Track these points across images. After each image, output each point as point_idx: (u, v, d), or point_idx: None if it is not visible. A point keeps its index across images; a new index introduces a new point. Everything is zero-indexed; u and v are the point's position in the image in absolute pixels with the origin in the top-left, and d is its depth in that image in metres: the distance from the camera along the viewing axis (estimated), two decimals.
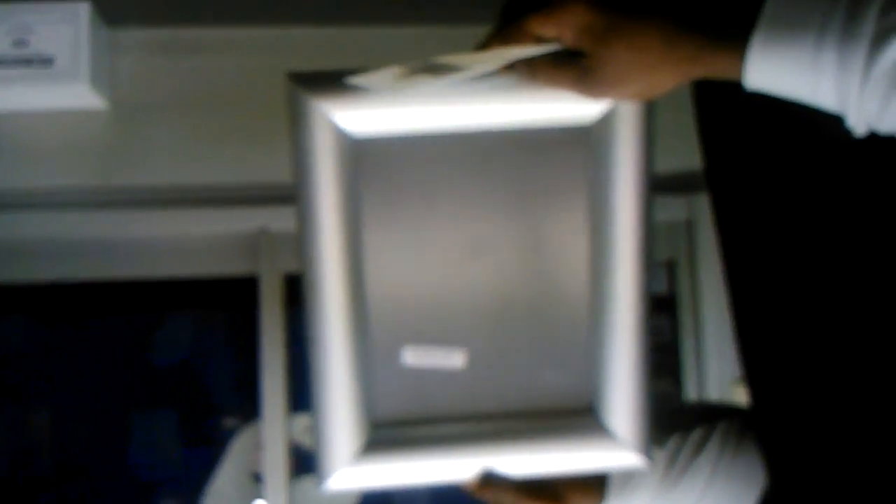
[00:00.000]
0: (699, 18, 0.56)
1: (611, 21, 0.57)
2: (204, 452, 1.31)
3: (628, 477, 0.73)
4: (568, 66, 0.61)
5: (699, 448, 0.75)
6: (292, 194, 1.28)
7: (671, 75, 0.59)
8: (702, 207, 1.33)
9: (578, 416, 0.71)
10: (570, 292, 0.69)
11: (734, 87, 0.62)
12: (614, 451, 0.71)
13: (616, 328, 0.68)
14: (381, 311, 0.69)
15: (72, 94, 1.21)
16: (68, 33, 1.18)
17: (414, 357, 0.70)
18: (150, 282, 1.29)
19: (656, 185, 0.78)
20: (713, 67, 0.57)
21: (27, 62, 1.18)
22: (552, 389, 0.71)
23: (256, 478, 1.32)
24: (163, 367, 1.33)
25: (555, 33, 0.60)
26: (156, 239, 1.29)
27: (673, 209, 1.34)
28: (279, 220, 1.28)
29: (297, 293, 1.32)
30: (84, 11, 1.18)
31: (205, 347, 1.35)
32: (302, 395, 1.34)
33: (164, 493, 1.31)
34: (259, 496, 1.28)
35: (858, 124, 0.52)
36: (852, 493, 0.61)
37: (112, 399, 1.32)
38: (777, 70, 0.53)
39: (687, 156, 1.34)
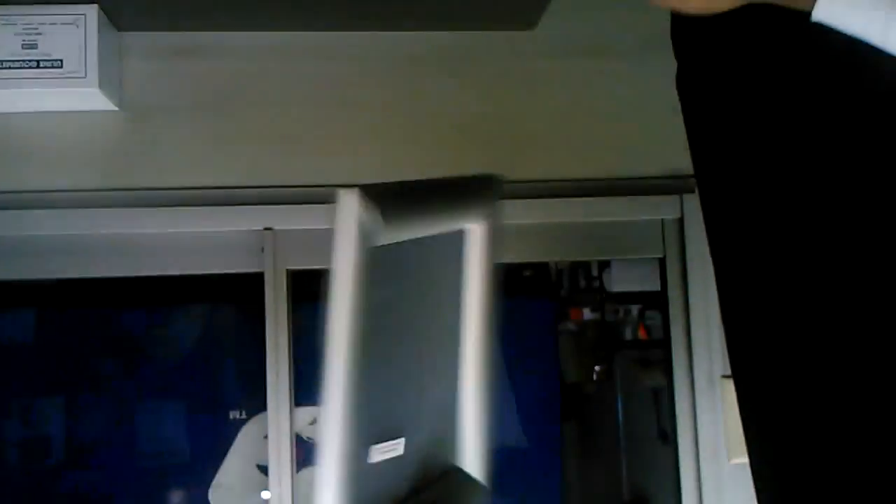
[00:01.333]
0: None
1: None
2: (211, 444, 1.35)
3: None
4: None
5: None
6: (297, 195, 1.33)
7: None
8: (692, 207, 1.37)
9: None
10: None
11: (720, 83, 0.67)
12: None
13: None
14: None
15: (81, 96, 1.24)
16: (77, 36, 1.21)
17: (377, 453, 0.72)
18: (159, 278, 1.32)
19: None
20: None
21: (36, 64, 1.21)
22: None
23: (262, 469, 1.36)
24: (170, 360, 1.36)
25: None
26: (165, 237, 1.31)
27: (664, 208, 1.38)
28: (284, 219, 1.31)
29: (301, 289, 1.36)
30: (92, 15, 1.21)
31: (212, 341, 1.38)
32: (306, 388, 1.37)
33: (171, 485, 1.34)
34: (264, 487, 1.32)
35: None
36: (840, 486, 0.63)
37: (121, 391, 1.35)
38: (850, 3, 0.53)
39: (678, 157, 1.39)
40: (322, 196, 1.35)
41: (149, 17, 1.29)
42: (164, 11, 1.27)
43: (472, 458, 0.80)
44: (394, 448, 0.72)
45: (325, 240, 1.37)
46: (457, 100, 1.33)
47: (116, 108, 1.29)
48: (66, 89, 1.21)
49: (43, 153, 1.29)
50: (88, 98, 1.24)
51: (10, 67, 1.20)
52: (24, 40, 1.20)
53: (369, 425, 0.68)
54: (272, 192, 1.31)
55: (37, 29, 1.21)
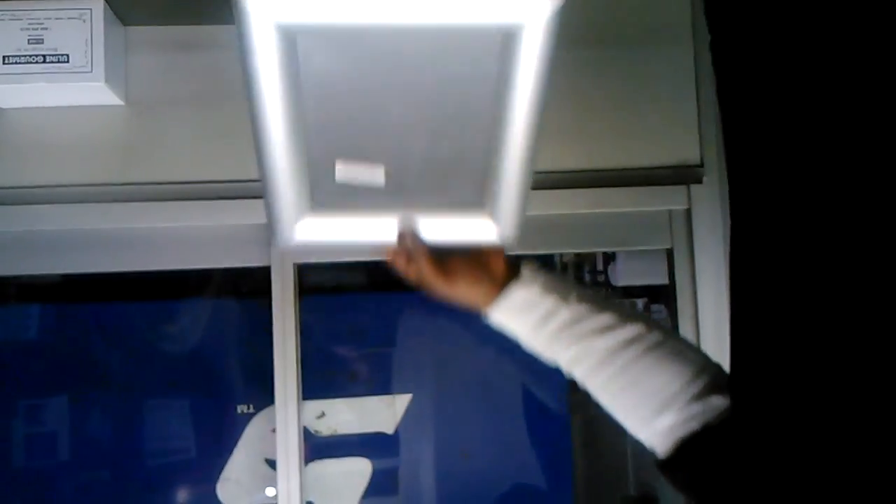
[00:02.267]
0: None
1: None
2: (218, 438, 1.35)
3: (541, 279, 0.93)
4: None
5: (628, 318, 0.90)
6: None
7: None
8: (700, 197, 1.37)
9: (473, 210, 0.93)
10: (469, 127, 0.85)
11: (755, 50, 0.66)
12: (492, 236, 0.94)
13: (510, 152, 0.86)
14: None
15: (87, 90, 1.24)
16: (83, 31, 1.21)
17: (343, 171, 0.87)
18: (165, 272, 1.32)
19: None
20: None
21: (42, 59, 1.20)
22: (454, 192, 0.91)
23: (270, 463, 1.36)
24: (177, 355, 1.37)
25: None
26: (171, 231, 1.31)
27: (673, 199, 1.38)
28: None
29: (308, 283, 1.36)
30: (98, 9, 1.21)
31: (219, 335, 1.38)
32: (314, 381, 1.37)
33: (179, 479, 1.34)
34: (272, 481, 1.32)
35: None
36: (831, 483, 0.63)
37: (127, 386, 1.35)
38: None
39: (686, 148, 1.39)
40: None
41: (154, 12, 1.28)
42: (169, 5, 1.27)
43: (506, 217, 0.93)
44: (367, 172, 0.87)
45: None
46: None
47: (122, 103, 1.29)
48: (72, 84, 1.21)
49: (48, 148, 1.29)
50: (94, 93, 1.24)
51: (16, 62, 1.20)
52: (30, 35, 1.20)
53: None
54: None
55: (43, 24, 1.21)
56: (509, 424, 1.43)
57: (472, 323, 1.43)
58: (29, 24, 1.21)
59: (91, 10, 1.20)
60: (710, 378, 0.86)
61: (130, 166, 1.30)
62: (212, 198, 1.30)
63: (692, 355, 0.89)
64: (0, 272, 1.32)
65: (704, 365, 0.88)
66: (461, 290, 0.95)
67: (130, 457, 1.34)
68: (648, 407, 0.88)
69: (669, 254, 1.41)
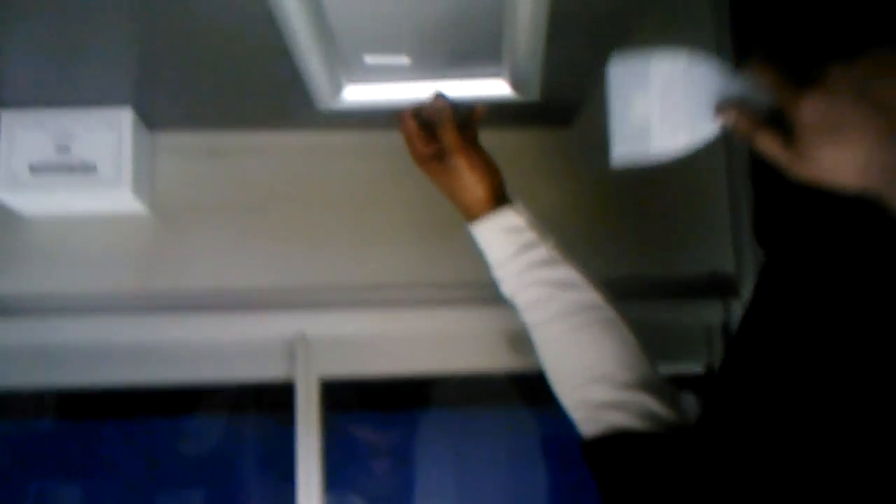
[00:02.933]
0: None
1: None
2: None
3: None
4: (782, 145, 0.64)
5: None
6: (330, 299, 1.29)
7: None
8: (737, 311, 1.33)
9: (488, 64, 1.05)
10: None
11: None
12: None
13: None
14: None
15: (113, 199, 1.21)
16: (111, 140, 1.19)
17: (372, 59, 1.00)
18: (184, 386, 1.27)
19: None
20: None
21: (70, 169, 1.18)
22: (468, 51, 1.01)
23: None
24: (195, 473, 1.30)
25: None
26: (191, 344, 1.27)
27: (709, 312, 1.34)
28: (316, 325, 1.27)
29: (334, 400, 1.31)
30: (127, 118, 1.19)
31: (239, 453, 1.32)
32: (339, 502, 1.31)
33: None
34: None
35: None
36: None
37: (141, 495, 1.28)
38: None
39: (722, 259, 1.35)
40: (357, 300, 1.32)
41: (181, 117, 1.27)
42: (196, 110, 1.25)
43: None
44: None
45: (361, 346, 1.33)
46: None
47: (148, 211, 1.26)
48: (98, 193, 1.19)
49: (71, 256, 1.26)
50: (121, 201, 1.21)
51: (42, 171, 1.17)
52: (57, 144, 1.18)
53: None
54: (305, 297, 1.27)
55: (70, 132, 1.19)
56: None
57: (501, 444, 1.38)
58: (56, 132, 1.18)
59: (119, 118, 1.19)
60: (647, 376, 0.92)
61: (154, 274, 1.26)
62: (235, 307, 1.26)
63: (636, 347, 0.94)
64: (19, 384, 1.27)
65: (645, 362, 0.93)
66: (460, 180, 0.99)
67: None
68: (583, 374, 0.93)
69: (708, 369, 1.36)
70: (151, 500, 1.29)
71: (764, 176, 0.82)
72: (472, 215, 1.00)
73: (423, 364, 1.30)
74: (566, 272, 0.97)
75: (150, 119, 1.25)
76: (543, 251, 0.98)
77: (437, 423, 1.36)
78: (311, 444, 1.25)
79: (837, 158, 0.60)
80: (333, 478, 1.28)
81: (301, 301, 1.27)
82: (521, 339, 1.28)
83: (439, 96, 1.00)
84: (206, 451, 1.31)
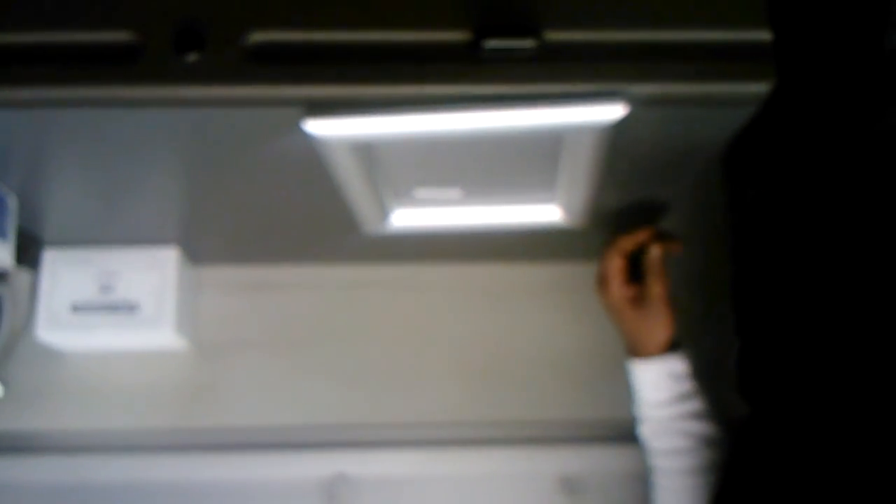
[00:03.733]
0: None
1: None
2: None
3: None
4: None
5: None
6: (371, 438, 1.25)
7: None
8: None
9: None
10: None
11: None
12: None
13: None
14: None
15: (155, 337, 1.20)
16: (155, 279, 1.18)
17: (423, 193, 1.01)
18: None
19: None
20: None
21: (112, 308, 1.18)
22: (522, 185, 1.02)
23: None
24: None
25: None
26: (232, 482, 1.23)
27: None
28: (356, 464, 1.22)
29: None
30: (171, 257, 1.19)
31: None
32: None
33: None
34: None
35: None
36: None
37: None
38: None
39: None
40: (399, 438, 1.28)
41: (227, 253, 1.27)
42: (241, 247, 1.25)
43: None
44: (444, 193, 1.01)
45: (401, 487, 1.28)
46: (541, 333, 1.27)
47: (189, 346, 1.24)
48: (141, 332, 1.18)
49: (110, 392, 1.24)
50: (163, 339, 1.20)
51: (85, 310, 1.17)
52: (101, 283, 1.18)
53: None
54: (345, 435, 1.23)
55: (114, 271, 1.19)
56: None
57: None
58: (100, 271, 1.19)
59: (165, 258, 1.19)
60: None
61: (195, 412, 1.24)
62: (275, 447, 1.22)
63: None
64: None
65: None
66: (650, 325, 1.03)
67: None
68: None
69: None
70: None
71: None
72: (641, 354, 1.04)
73: None
74: (713, 429, 1.02)
75: (195, 254, 1.25)
76: (698, 404, 1.03)
77: None
78: None
79: None
80: None
81: (341, 439, 1.24)
82: (568, 481, 1.23)
83: (652, 236, 1.05)
84: None
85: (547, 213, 1.06)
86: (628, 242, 1.05)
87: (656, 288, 1.03)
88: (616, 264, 1.05)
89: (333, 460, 1.22)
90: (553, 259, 1.27)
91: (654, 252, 1.03)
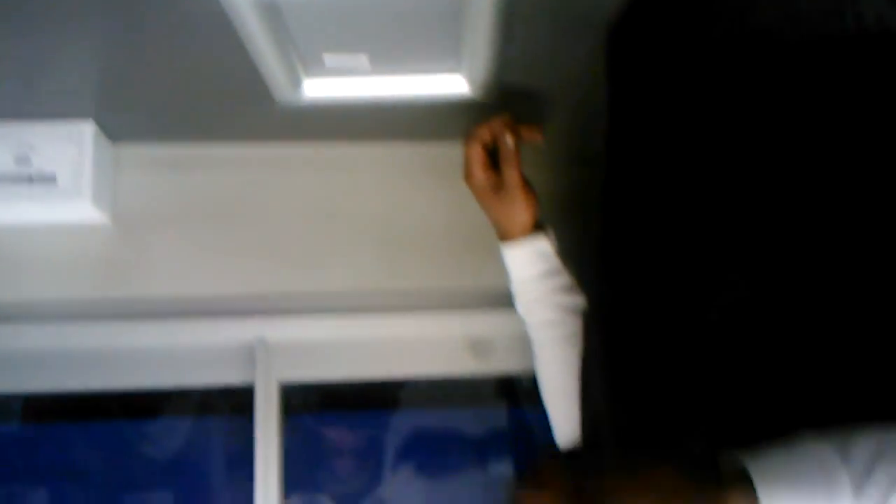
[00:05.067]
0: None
1: None
2: None
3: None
4: None
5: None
6: (290, 305, 1.31)
7: None
8: None
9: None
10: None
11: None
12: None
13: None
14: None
15: (73, 210, 1.22)
16: (71, 152, 1.20)
17: (332, 60, 1.04)
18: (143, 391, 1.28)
19: None
20: None
21: (29, 180, 1.19)
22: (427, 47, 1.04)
23: None
24: (155, 476, 1.31)
25: None
26: (153, 349, 1.28)
27: None
28: (276, 330, 1.29)
29: (293, 403, 1.33)
30: (88, 130, 1.21)
31: (198, 457, 1.33)
32: None
33: None
34: None
35: None
36: None
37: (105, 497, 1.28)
38: None
39: None
40: (316, 307, 1.34)
41: (144, 129, 1.29)
42: (158, 123, 1.27)
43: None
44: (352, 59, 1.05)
45: (319, 350, 1.36)
46: (450, 209, 1.34)
47: (108, 221, 1.27)
48: (58, 204, 1.20)
49: (31, 265, 1.26)
50: (81, 212, 1.23)
51: (2, 182, 1.19)
52: (17, 155, 1.20)
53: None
54: (264, 303, 1.29)
55: (31, 144, 1.20)
56: None
57: (464, 440, 1.41)
58: (16, 144, 1.20)
59: (81, 130, 1.21)
60: None
61: (114, 283, 1.27)
62: (194, 315, 1.28)
63: None
64: None
65: None
66: (511, 210, 1.09)
67: None
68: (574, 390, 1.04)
69: None
70: (115, 501, 1.29)
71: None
72: (508, 237, 1.11)
73: (381, 368, 1.33)
74: (579, 300, 1.09)
75: (113, 132, 1.27)
76: (565, 279, 1.10)
77: (396, 424, 1.38)
78: (270, 446, 1.27)
79: None
80: (293, 479, 1.30)
81: (261, 307, 1.29)
82: (476, 343, 1.32)
83: (506, 125, 1.08)
84: (167, 453, 1.32)
85: (452, 83, 1.12)
86: (484, 131, 1.09)
87: (512, 175, 1.08)
88: (476, 152, 1.09)
89: (253, 327, 1.29)
90: (459, 137, 1.33)
91: (508, 140, 1.08)
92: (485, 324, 1.31)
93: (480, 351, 1.31)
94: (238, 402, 1.32)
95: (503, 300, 1.26)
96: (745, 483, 0.54)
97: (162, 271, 1.29)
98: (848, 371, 0.69)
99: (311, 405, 1.37)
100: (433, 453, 1.36)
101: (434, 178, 1.34)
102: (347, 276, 1.31)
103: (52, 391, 1.28)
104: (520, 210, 1.08)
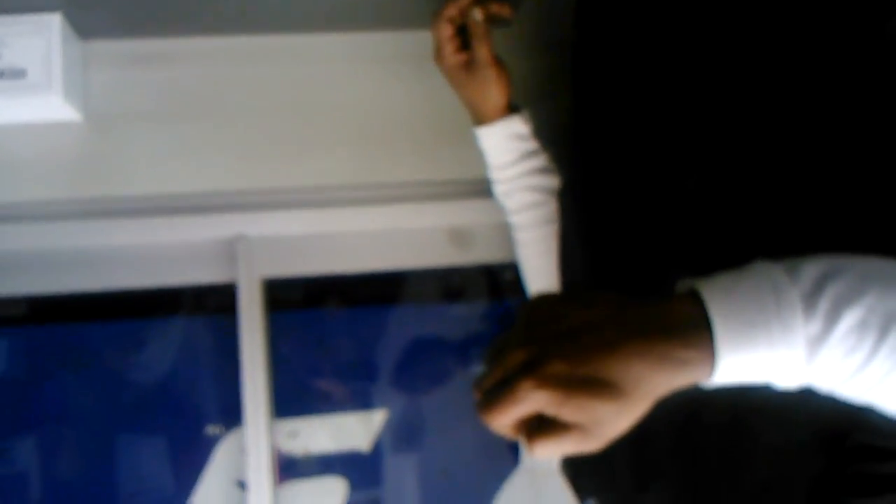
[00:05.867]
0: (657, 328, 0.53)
1: (574, 383, 0.52)
2: (187, 461, 1.30)
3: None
4: (562, 435, 0.54)
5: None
6: (269, 201, 1.30)
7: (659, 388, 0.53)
8: None
9: None
10: None
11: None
12: None
13: None
14: None
15: (45, 106, 1.21)
16: (40, 45, 1.18)
17: None
18: (126, 291, 1.29)
19: None
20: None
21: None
22: None
23: (242, 485, 1.31)
24: (140, 376, 1.32)
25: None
26: (132, 249, 1.28)
27: None
28: (256, 225, 1.29)
29: (275, 298, 1.33)
30: (56, 23, 1.19)
31: (184, 355, 1.34)
32: (286, 401, 1.33)
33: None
34: (244, 503, 1.27)
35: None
36: None
37: (90, 410, 1.30)
38: (741, 367, 0.52)
39: None
40: (295, 201, 1.34)
41: (113, 24, 1.26)
42: (127, 18, 1.25)
43: None
44: None
45: (300, 245, 1.35)
46: (429, 100, 1.32)
47: (81, 118, 1.26)
48: (29, 99, 1.19)
49: (5, 165, 1.26)
50: (53, 108, 1.21)
51: None
52: None
53: None
54: (244, 199, 1.29)
55: None
56: (490, 440, 1.40)
57: (448, 335, 1.41)
58: None
59: (48, 24, 1.19)
60: None
61: (90, 182, 1.27)
62: (173, 212, 1.27)
63: None
64: None
65: None
66: (484, 90, 1.06)
67: (97, 483, 1.28)
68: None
69: None
70: (98, 402, 1.30)
71: None
72: (483, 120, 1.08)
73: (362, 261, 1.33)
74: (557, 181, 1.08)
75: (82, 28, 1.24)
76: (542, 160, 1.09)
77: (380, 319, 1.39)
78: (256, 342, 1.28)
79: None
80: (280, 375, 1.32)
81: (240, 203, 1.29)
82: (456, 233, 1.32)
83: (476, 4, 1.04)
84: (153, 353, 1.33)
85: None
86: (451, 8, 1.06)
87: (482, 51, 1.04)
88: (444, 31, 1.06)
89: (233, 223, 1.28)
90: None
91: (476, 15, 1.04)
92: (465, 213, 1.30)
93: (461, 241, 1.31)
94: (223, 301, 1.32)
95: (482, 190, 1.26)
96: (695, 298, 0.53)
97: (138, 169, 1.28)
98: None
99: (294, 302, 1.37)
100: (418, 348, 1.37)
101: (409, 68, 1.32)
102: (326, 171, 1.30)
103: (32, 294, 1.28)
104: (493, 89, 1.06)
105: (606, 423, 0.52)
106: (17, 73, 1.18)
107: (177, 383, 1.33)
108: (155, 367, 1.33)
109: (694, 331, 0.51)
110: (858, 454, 0.60)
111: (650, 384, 0.51)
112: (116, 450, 1.30)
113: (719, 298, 0.52)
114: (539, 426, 0.54)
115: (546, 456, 0.54)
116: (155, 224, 1.26)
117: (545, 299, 0.57)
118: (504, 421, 0.54)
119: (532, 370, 0.52)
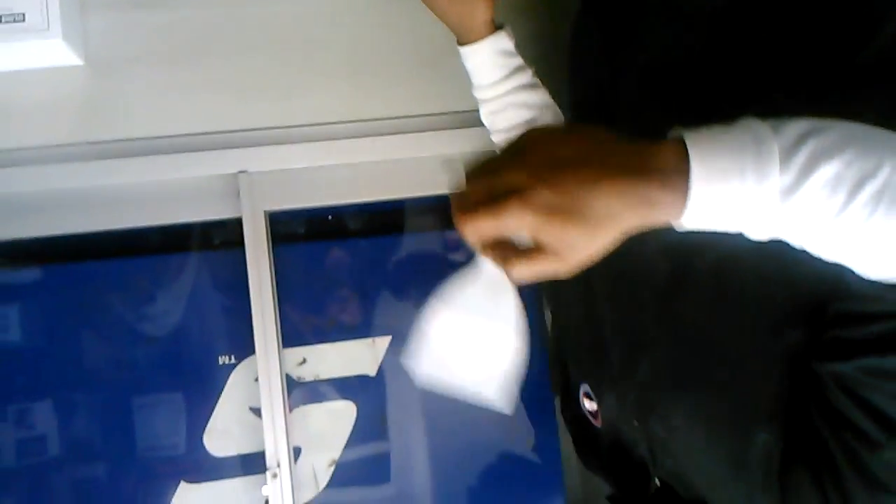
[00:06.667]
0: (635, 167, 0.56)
1: (555, 209, 0.56)
2: (201, 391, 1.35)
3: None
4: (536, 258, 0.59)
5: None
6: (270, 136, 1.33)
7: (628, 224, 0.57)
8: None
9: None
10: None
11: None
12: None
13: None
14: None
15: (45, 50, 1.24)
16: None
17: None
18: (134, 230, 1.33)
19: None
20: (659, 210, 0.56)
21: None
22: None
23: (255, 412, 1.37)
24: (152, 311, 1.36)
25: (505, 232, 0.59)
26: (138, 188, 1.32)
27: None
28: (258, 161, 1.32)
29: (280, 231, 1.38)
30: None
31: (194, 289, 1.38)
32: (293, 330, 1.38)
33: (164, 433, 1.34)
34: (259, 429, 1.33)
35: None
36: None
37: (102, 345, 1.34)
38: (710, 213, 0.55)
39: None
40: (295, 136, 1.37)
41: None
42: None
43: None
44: None
45: (301, 179, 1.39)
46: (424, 33, 1.35)
47: (81, 62, 1.29)
48: (29, 43, 1.21)
49: (9, 110, 1.29)
50: (53, 52, 1.24)
51: None
52: None
53: None
54: (244, 135, 1.32)
55: None
56: None
57: (446, 260, 1.46)
58: None
59: None
60: None
61: (92, 125, 1.30)
62: (176, 151, 1.30)
63: None
64: None
65: None
66: (466, 4, 1.00)
67: (113, 413, 1.34)
68: None
69: None
70: (110, 342, 1.35)
71: None
72: (468, 38, 1.04)
73: (361, 193, 1.37)
74: (546, 96, 1.07)
75: None
76: (530, 75, 1.06)
77: (382, 249, 1.43)
78: (263, 273, 1.32)
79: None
80: (286, 305, 1.36)
81: (241, 140, 1.32)
82: (451, 163, 1.35)
83: None
84: (164, 290, 1.37)
85: None
86: None
87: None
88: None
89: (235, 160, 1.32)
90: None
91: None
92: (459, 143, 1.34)
93: (454, 168, 1.34)
94: (230, 236, 1.37)
95: (475, 119, 1.29)
96: (681, 144, 0.56)
97: (140, 111, 1.31)
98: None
99: (298, 235, 1.41)
100: (419, 274, 1.41)
101: (402, 2, 1.34)
102: (323, 106, 1.34)
103: (41, 235, 1.32)
104: (476, 4, 1.01)
105: (578, 248, 0.57)
106: (16, 17, 1.21)
107: (188, 317, 1.38)
108: (166, 302, 1.37)
109: (673, 173, 0.55)
110: (836, 322, 0.64)
111: (622, 219, 0.56)
112: (127, 382, 1.35)
113: (702, 144, 0.55)
114: (515, 253, 0.59)
115: (523, 277, 0.60)
116: (159, 163, 1.30)
117: (543, 130, 0.60)
118: (483, 230, 0.58)
119: (520, 192, 0.56)
